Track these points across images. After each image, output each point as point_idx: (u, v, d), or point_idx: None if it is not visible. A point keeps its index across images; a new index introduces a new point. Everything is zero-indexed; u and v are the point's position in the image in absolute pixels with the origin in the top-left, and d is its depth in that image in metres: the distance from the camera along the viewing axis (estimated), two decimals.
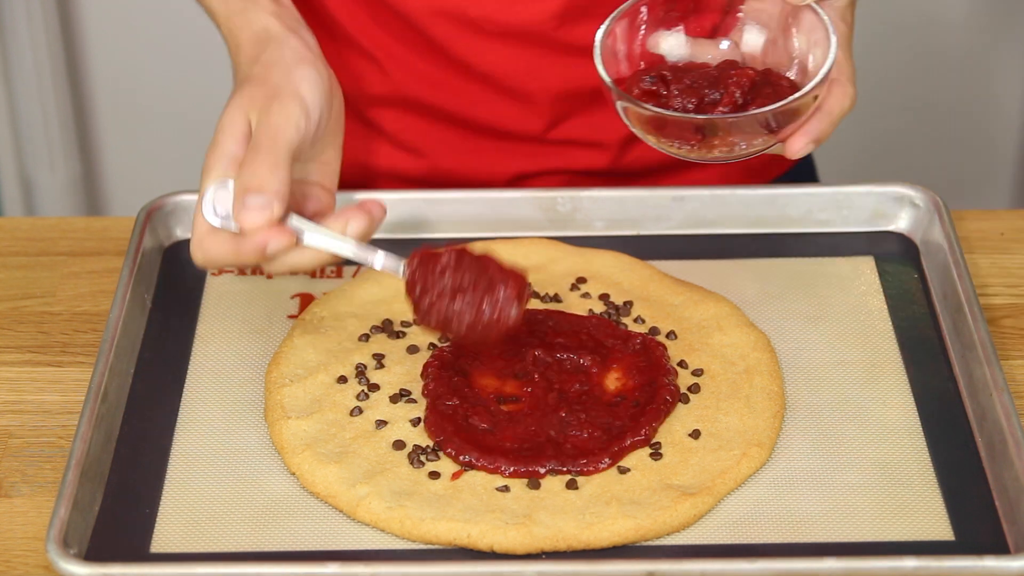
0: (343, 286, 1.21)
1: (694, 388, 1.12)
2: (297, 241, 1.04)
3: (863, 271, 1.24)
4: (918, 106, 2.55)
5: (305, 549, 1.02)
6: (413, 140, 1.38)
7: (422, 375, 1.13)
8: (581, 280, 1.22)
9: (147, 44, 2.47)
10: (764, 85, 1.09)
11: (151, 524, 1.04)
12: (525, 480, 1.05)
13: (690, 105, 1.09)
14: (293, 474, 1.07)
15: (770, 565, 0.98)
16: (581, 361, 1.13)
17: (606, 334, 1.15)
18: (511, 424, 1.09)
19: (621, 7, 1.13)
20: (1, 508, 1.06)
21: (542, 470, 1.06)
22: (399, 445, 1.08)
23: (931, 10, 2.47)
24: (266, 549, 1.02)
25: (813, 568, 0.98)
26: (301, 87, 1.09)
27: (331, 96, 1.12)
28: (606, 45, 1.12)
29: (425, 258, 1.05)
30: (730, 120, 1.07)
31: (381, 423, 1.10)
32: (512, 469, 1.06)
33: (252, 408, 1.12)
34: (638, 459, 1.07)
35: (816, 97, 1.08)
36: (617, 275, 1.22)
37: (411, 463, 1.07)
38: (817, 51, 1.10)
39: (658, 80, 1.11)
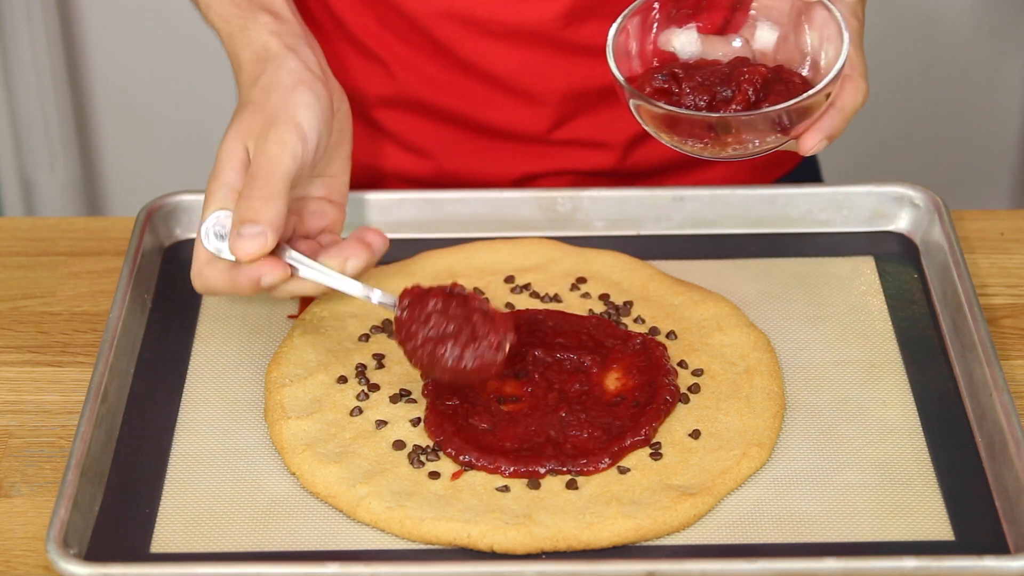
0: None
1: (694, 388, 1.12)
2: (293, 273, 1.06)
3: (863, 271, 1.24)
4: (918, 106, 2.55)
5: (305, 549, 1.02)
6: (419, 141, 1.38)
7: (422, 375, 1.13)
8: (581, 280, 1.22)
9: (147, 44, 2.47)
10: (776, 82, 1.09)
11: (151, 524, 1.04)
12: (525, 480, 1.05)
13: (702, 103, 1.09)
14: (293, 474, 1.07)
15: (770, 565, 0.98)
16: (581, 361, 1.13)
17: (606, 334, 1.15)
18: (511, 424, 1.09)
19: (633, 4, 1.13)
20: (1, 508, 1.06)
21: (542, 470, 1.06)
22: (399, 445, 1.08)
23: (931, 11, 2.47)
24: (266, 549, 1.02)
25: (813, 568, 0.98)
26: (298, 113, 1.09)
27: (330, 116, 1.12)
28: (618, 43, 1.12)
29: (414, 301, 1.06)
30: (743, 118, 1.07)
31: (381, 423, 1.10)
32: (512, 469, 1.06)
33: (252, 408, 1.12)
34: (638, 459, 1.07)
35: (829, 94, 1.08)
36: (617, 275, 1.22)
37: (411, 463, 1.07)
38: (829, 47, 1.11)
39: (670, 78, 1.11)
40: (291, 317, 1.20)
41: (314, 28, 1.32)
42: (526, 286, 1.21)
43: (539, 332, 1.15)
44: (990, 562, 0.98)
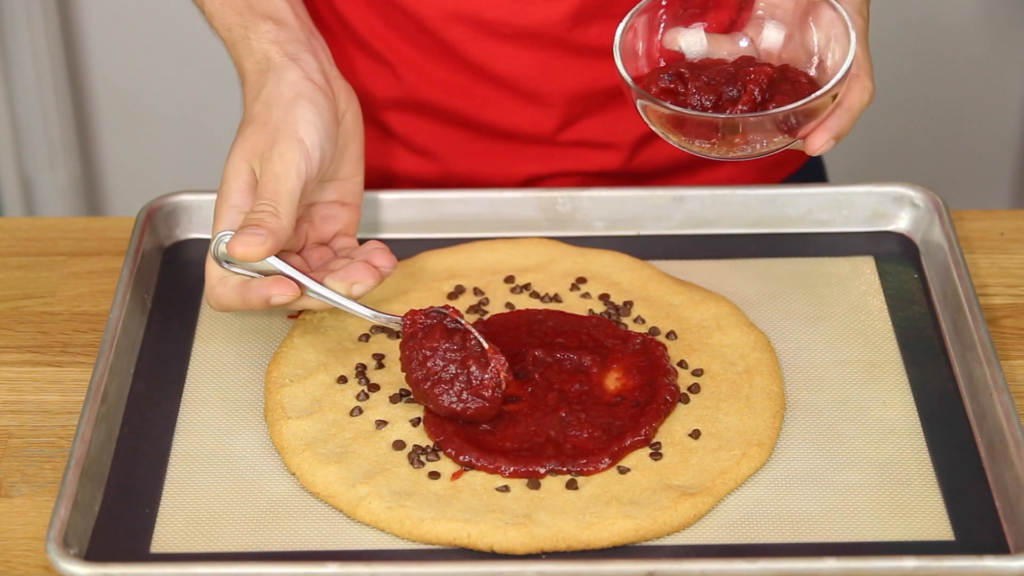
0: None
1: (694, 388, 1.12)
2: (303, 292, 1.09)
3: (863, 271, 1.24)
4: (918, 106, 2.55)
5: (305, 549, 1.02)
6: (426, 143, 1.38)
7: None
8: (581, 280, 1.22)
9: (147, 44, 2.46)
10: (782, 82, 1.09)
11: (151, 524, 1.04)
12: (525, 480, 1.05)
13: (708, 103, 1.09)
14: (293, 474, 1.07)
15: (770, 565, 0.98)
16: (581, 361, 1.13)
17: (606, 334, 1.15)
18: (511, 424, 1.09)
19: (640, 3, 1.13)
20: (1, 508, 1.06)
21: (542, 470, 1.06)
22: (399, 445, 1.08)
23: (932, 11, 2.47)
24: (266, 549, 1.02)
25: (813, 568, 0.98)
26: (300, 129, 1.10)
27: (333, 127, 1.13)
28: (625, 42, 1.12)
29: (410, 334, 1.09)
30: (751, 119, 1.07)
31: (381, 423, 1.10)
32: (512, 469, 1.06)
33: (252, 408, 1.12)
34: (638, 459, 1.07)
35: (836, 95, 1.08)
36: (617, 275, 1.22)
37: (411, 463, 1.07)
38: (836, 47, 1.10)
39: (676, 78, 1.10)
40: (291, 317, 1.20)
41: (322, 30, 1.32)
42: (526, 286, 1.21)
43: (539, 332, 1.15)
44: (990, 562, 0.98)
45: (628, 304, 1.19)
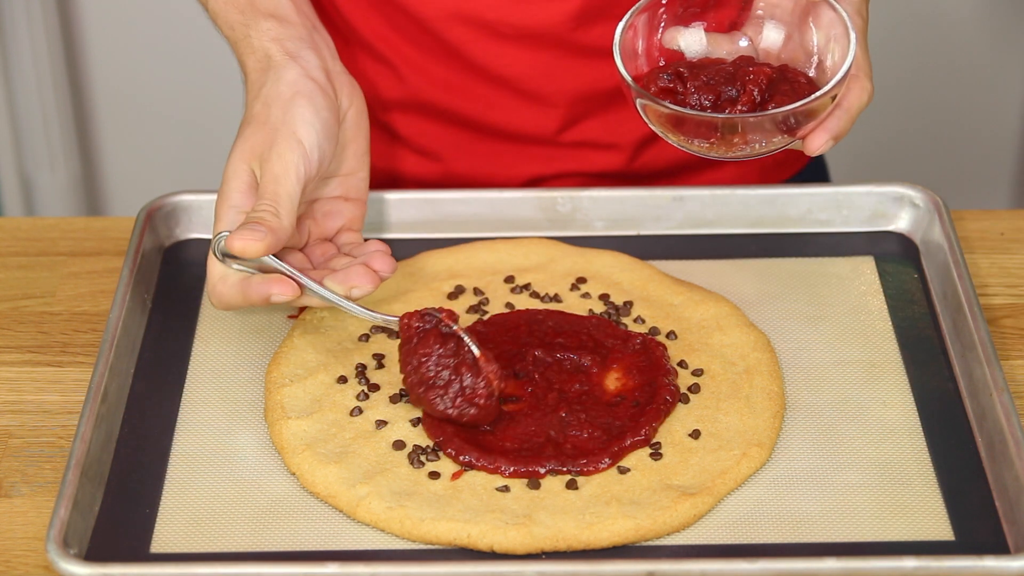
0: None
1: (694, 388, 1.12)
2: (303, 291, 1.09)
3: (863, 271, 1.24)
4: (918, 106, 2.55)
5: (305, 549, 1.02)
6: (428, 144, 1.38)
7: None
8: (581, 280, 1.22)
9: (147, 44, 2.47)
10: (781, 82, 1.09)
11: (151, 524, 1.04)
12: (525, 480, 1.05)
13: (707, 102, 1.09)
14: (293, 474, 1.07)
15: (770, 565, 0.98)
16: (581, 361, 1.13)
17: (606, 334, 1.15)
18: (511, 424, 1.09)
19: (640, 2, 1.13)
20: (1, 508, 1.06)
21: (542, 470, 1.06)
22: (399, 445, 1.08)
23: (932, 11, 2.47)
24: (266, 549, 1.02)
25: (813, 568, 0.98)
26: (298, 129, 1.10)
27: (333, 125, 1.13)
28: (625, 40, 1.12)
29: (406, 339, 1.09)
30: (750, 119, 1.07)
31: (381, 423, 1.10)
32: (512, 469, 1.06)
33: (252, 408, 1.12)
34: (638, 459, 1.07)
35: (835, 95, 1.08)
36: (617, 275, 1.22)
37: (411, 463, 1.07)
38: (835, 47, 1.10)
39: (675, 77, 1.10)
40: (291, 317, 1.20)
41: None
42: (526, 286, 1.21)
43: (539, 332, 1.15)
44: (990, 562, 0.98)
45: (628, 304, 1.19)
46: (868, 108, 1.12)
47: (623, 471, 1.06)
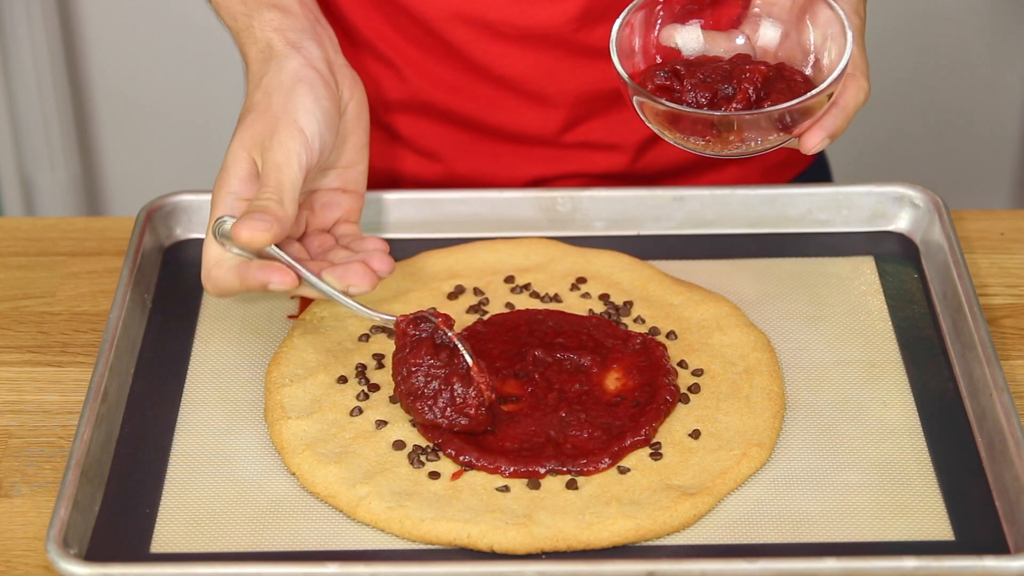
0: None
1: (694, 388, 1.12)
2: (301, 281, 1.09)
3: (863, 271, 1.24)
4: (918, 106, 2.55)
5: (305, 549, 1.02)
6: (430, 145, 1.38)
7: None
8: (581, 280, 1.22)
9: (147, 44, 2.47)
10: (778, 80, 1.09)
11: (151, 524, 1.04)
12: (525, 480, 1.05)
13: (703, 100, 1.09)
14: (293, 474, 1.07)
15: (770, 565, 0.98)
16: (581, 361, 1.13)
17: (606, 334, 1.15)
18: (511, 424, 1.09)
19: (637, 0, 1.13)
20: (1, 508, 1.06)
21: (542, 470, 1.06)
22: (399, 445, 1.08)
23: (932, 11, 2.47)
24: (266, 549, 1.02)
25: (813, 568, 0.98)
26: (300, 117, 1.10)
27: (334, 114, 1.13)
28: (622, 38, 1.12)
29: (400, 346, 1.09)
30: (746, 117, 1.07)
31: (381, 423, 1.10)
32: (512, 469, 1.06)
33: (252, 408, 1.12)
34: (638, 459, 1.07)
35: (831, 94, 1.08)
36: (617, 275, 1.22)
37: (411, 463, 1.07)
38: (832, 46, 1.10)
39: (671, 74, 1.11)
40: (291, 317, 1.20)
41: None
42: (526, 286, 1.21)
43: (539, 332, 1.15)
44: (990, 562, 0.98)
45: (628, 304, 1.19)
46: (868, 108, 1.12)
47: (623, 471, 1.06)
